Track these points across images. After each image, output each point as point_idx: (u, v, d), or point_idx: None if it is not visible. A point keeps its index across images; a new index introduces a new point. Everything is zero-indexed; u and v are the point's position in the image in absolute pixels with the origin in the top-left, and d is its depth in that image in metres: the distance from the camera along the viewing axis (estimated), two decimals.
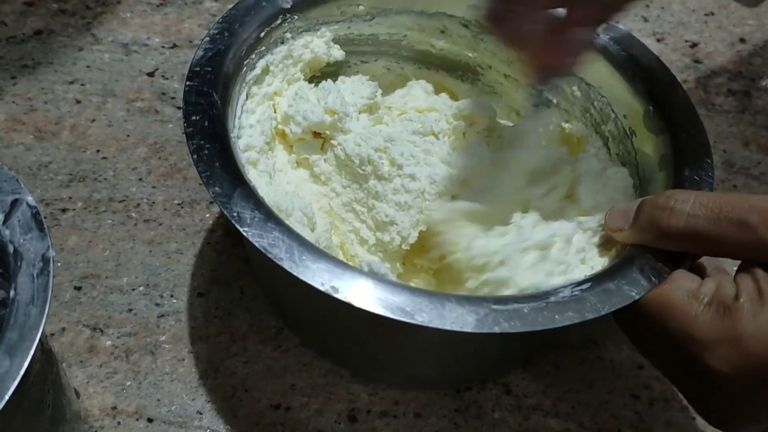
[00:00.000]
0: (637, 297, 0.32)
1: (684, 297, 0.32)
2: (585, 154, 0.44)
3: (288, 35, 0.44)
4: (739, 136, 0.60)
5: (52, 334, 0.43)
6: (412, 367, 0.41)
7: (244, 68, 0.41)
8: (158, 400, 0.41)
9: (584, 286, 0.32)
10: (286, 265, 0.31)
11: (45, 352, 0.32)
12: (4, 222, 0.28)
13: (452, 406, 0.42)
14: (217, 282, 0.46)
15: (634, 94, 0.42)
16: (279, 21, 0.43)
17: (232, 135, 0.38)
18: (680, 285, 0.33)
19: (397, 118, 0.47)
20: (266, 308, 0.45)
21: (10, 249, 0.28)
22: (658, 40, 0.67)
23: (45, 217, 0.47)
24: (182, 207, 0.50)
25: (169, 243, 0.48)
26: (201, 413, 0.41)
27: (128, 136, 0.53)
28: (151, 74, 0.58)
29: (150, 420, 0.40)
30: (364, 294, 0.31)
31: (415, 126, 0.44)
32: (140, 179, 0.51)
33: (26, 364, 0.25)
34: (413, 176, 0.41)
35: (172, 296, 0.45)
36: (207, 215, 0.49)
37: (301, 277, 0.31)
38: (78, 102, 0.55)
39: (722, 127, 0.60)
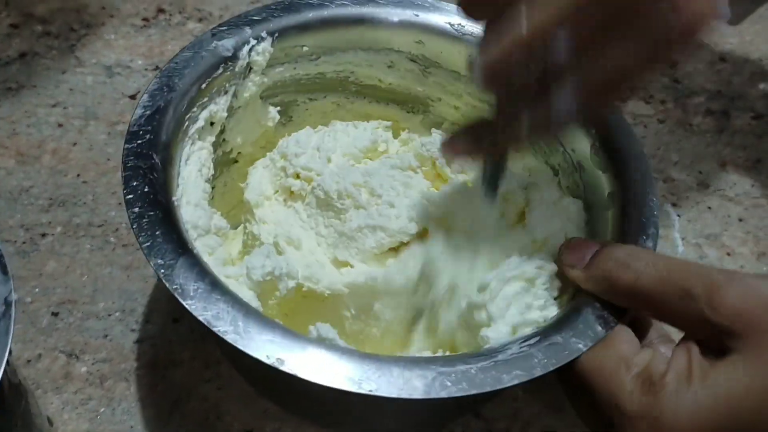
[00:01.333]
0: (584, 349, 0.32)
1: (615, 365, 0.32)
2: (536, 184, 0.44)
3: (228, 84, 0.43)
4: (716, 156, 0.61)
5: (29, 361, 0.44)
6: (377, 423, 0.42)
7: (186, 123, 0.40)
8: (131, 427, 0.42)
9: (532, 341, 0.32)
10: (230, 338, 0.31)
11: (13, 386, 0.32)
12: None
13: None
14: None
15: (580, 127, 0.41)
16: (221, 70, 0.42)
17: (174, 198, 0.37)
18: (615, 350, 0.32)
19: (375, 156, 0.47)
20: None
21: None
22: None
23: (24, 243, 0.48)
24: None
25: (146, 268, 0.48)
26: None
27: (109, 159, 0.54)
28: (133, 97, 0.58)
29: None
30: (310, 365, 0.30)
31: (394, 161, 0.44)
32: (119, 203, 0.52)
33: None
34: (392, 204, 0.41)
35: (147, 321, 0.46)
36: None
37: (246, 350, 0.30)
38: (60, 125, 0.56)
39: (699, 147, 0.61)
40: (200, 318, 0.31)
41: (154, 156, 0.37)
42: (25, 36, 0.62)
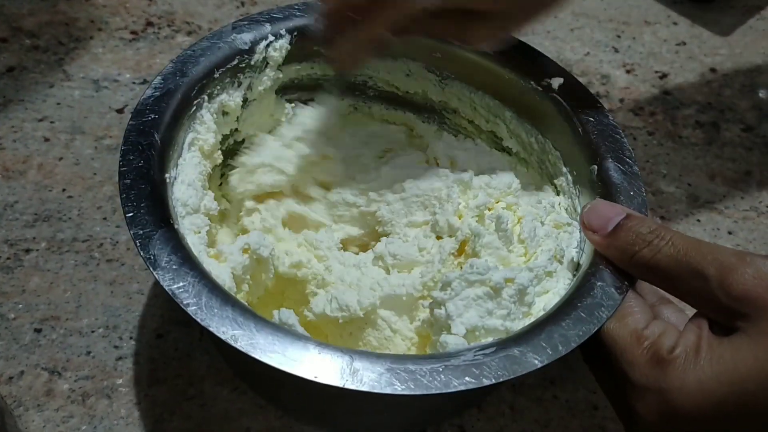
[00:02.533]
0: (539, 366, 0.32)
1: (628, 337, 0.33)
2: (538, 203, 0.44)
3: (243, 77, 0.44)
4: (705, 168, 0.60)
5: (11, 378, 0.43)
6: (351, 416, 0.42)
7: (194, 108, 0.41)
8: None
9: (487, 351, 0.32)
10: (191, 310, 0.32)
11: None
12: None
13: None
14: (176, 323, 0.47)
15: (581, 152, 0.42)
16: (236, 62, 0.43)
17: (167, 175, 0.38)
18: (627, 323, 0.33)
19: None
20: None
21: None
22: (628, 72, 0.67)
23: (8, 258, 0.48)
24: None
25: (130, 283, 0.48)
26: None
27: (95, 174, 0.54)
28: (120, 111, 0.58)
29: None
30: (260, 344, 0.31)
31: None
32: (105, 218, 0.51)
33: None
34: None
35: (131, 338, 0.46)
36: None
37: (203, 323, 0.31)
38: (46, 140, 0.56)
39: (688, 159, 0.61)
40: (166, 288, 0.32)
41: (156, 135, 0.38)
42: (14, 50, 0.62)
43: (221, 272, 0.37)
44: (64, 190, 0.53)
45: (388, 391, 0.30)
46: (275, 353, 0.31)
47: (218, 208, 0.42)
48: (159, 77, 0.41)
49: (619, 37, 0.71)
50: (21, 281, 0.48)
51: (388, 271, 0.42)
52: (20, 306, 0.46)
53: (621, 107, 0.64)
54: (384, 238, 0.44)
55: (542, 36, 0.70)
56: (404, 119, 0.51)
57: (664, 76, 0.68)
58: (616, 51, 0.69)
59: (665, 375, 0.31)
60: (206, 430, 0.42)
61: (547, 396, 0.46)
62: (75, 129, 0.57)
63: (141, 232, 0.34)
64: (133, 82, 0.60)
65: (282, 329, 0.32)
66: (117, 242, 0.50)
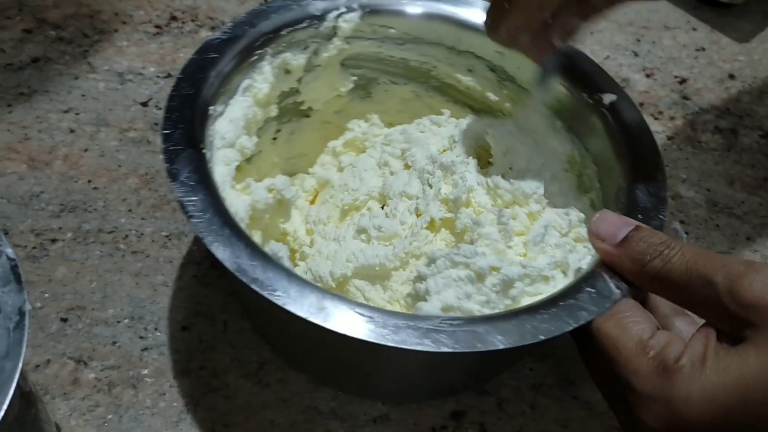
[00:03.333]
0: (500, 347, 0.32)
1: (632, 346, 0.33)
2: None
3: (311, 41, 0.46)
4: (724, 174, 0.61)
5: (37, 366, 0.44)
6: (379, 377, 0.43)
7: (255, 57, 0.43)
8: None
9: (454, 322, 0.33)
10: (194, 221, 0.34)
11: (24, 395, 0.32)
12: None
13: None
14: (201, 315, 0.47)
15: (616, 171, 0.42)
16: (305, 24, 0.45)
17: (211, 107, 0.40)
18: (632, 332, 0.33)
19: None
20: (249, 342, 0.46)
21: None
22: (648, 76, 0.68)
23: (34, 248, 0.49)
24: (170, 239, 0.50)
25: (155, 275, 0.49)
26: None
27: (120, 166, 0.54)
28: (144, 104, 0.59)
29: None
30: (246, 265, 0.33)
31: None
32: (130, 210, 0.52)
33: (0, 417, 0.26)
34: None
35: (156, 329, 0.46)
36: (194, 248, 0.50)
37: (202, 236, 0.34)
38: (72, 131, 0.56)
39: (707, 165, 0.61)
40: (178, 198, 0.35)
41: (212, 72, 0.41)
42: (38, 41, 0.62)
43: (237, 203, 0.39)
44: (89, 181, 0.53)
45: (343, 331, 0.32)
46: (255, 275, 0.33)
47: (254, 149, 0.44)
48: (230, 23, 0.43)
49: (638, 41, 0.71)
50: (47, 271, 0.48)
51: (369, 242, 0.43)
52: (46, 295, 0.47)
53: (640, 111, 0.64)
54: (367, 212, 0.45)
55: None
56: (461, 115, 0.51)
57: (683, 81, 0.68)
58: (636, 55, 0.70)
59: (671, 384, 0.31)
60: (230, 422, 0.43)
61: (566, 396, 0.46)
62: (100, 121, 0.57)
63: (171, 148, 0.36)
64: (158, 76, 0.61)
65: (268, 258, 0.34)
66: (142, 234, 0.50)
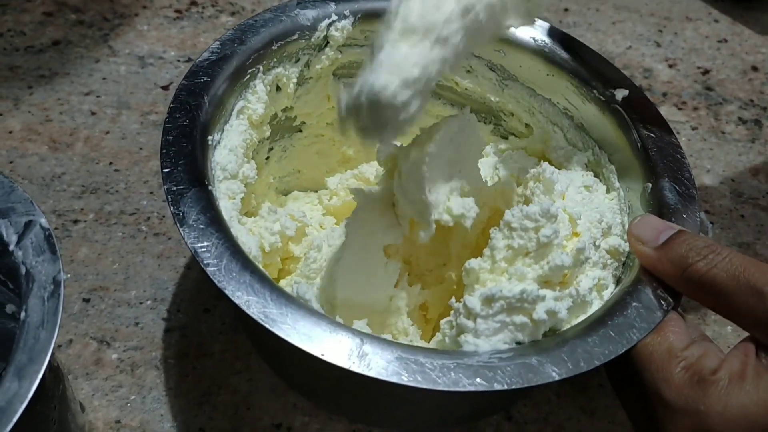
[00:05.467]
0: (557, 378, 0.30)
1: (666, 354, 0.31)
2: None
3: (301, 53, 0.44)
4: (748, 165, 0.60)
5: (60, 346, 0.43)
6: (365, 405, 0.41)
7: (247, 77, 0.41)
8: (161, 416, 0.41)
9: (504, 355, 0.31)
10: (210, 271, 0.31)
11: (53, 369, 0.32)
12: (18, 243, 0.29)
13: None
14: (223, 298, 0.47)
15: (637, 168, 0.41)
16: (296, 37, 0.43)
17: (210, 137, 0.38)
18: (665, 340, 0.32)
19: None
20: None
21: (23, 270, 0.28)
22: (670, 66, 0.67)
23: (56, 228, 0.48)
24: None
25: (177, 257, 0.48)
26: (203, 429, 0.41)
27: (141, 149, 0.54)
28: (165, 87, 0.58)
29: None
30: (274, 314, 0.31)
31: None
32: (151, 192, 0.51)
33: (35, 387, 0.25)
34: None
35: (178, 311, 0.46)
36: None
37: (220, 285, 0.31)
38: (93, 114, 0.56)
39: (732, 155, 0.61)
40: (189, 245, 0.32)
41: (205, 98, 0.38)
42: (59, 24, 0.62)
43: (249, 240, 0.37)
44: (110, 163, 0.53)
45: (393, 380, 0.30)
46: (286, 325, 0.30)
47: (256, 177, 0.42)
48: (217, 42, 0.41)
49: (660, 31, 0.71)
50: (69, 251, 0.48)
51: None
52: (69, 275, 0.47)
53: (664, 101, 0.64)
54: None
55: (584, 28, 0.70)
56: None
57: (706, 72, 0.67)
58: (658, 45, 0.69)
59: (705, 397, 0.30)
60: (253, 404, 0.42)
61: (593, 384, 0.46)
62: (121, 104, 0.57)
63: (174, 188, 0.34)
64: (178, 60, 0.61)
65: (297, 302, 0.32)
66: (164, 216, 0.50)
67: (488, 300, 0.34)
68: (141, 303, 0.46)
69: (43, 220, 0.29)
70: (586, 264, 0.37)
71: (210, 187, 0.35)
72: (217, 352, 0.44)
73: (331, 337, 0.31)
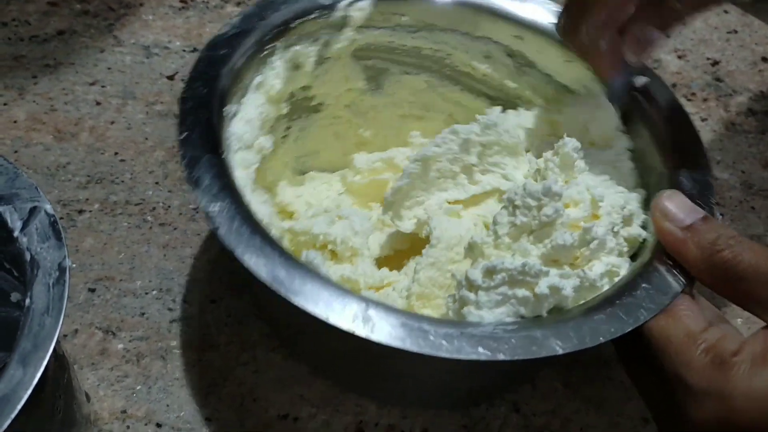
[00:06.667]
0: (560, 352, 0.30)
1: (684, 337, 0.31)
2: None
3: (322, 32, 0.44)
4: (758, 156, 0.59)
5: (65, 336, 0.43)
6: (375, 377, 0.41)
7: (265, 52, 0.41)
8: (167, 406, 0.41)
9: (508, 327, 0.31)
10: (220, 232, 0.32)
11: (58, 358, 0.32)
12: (22, 229, 0.28)
13: (460, 423, 0.42)
14: (230, 288, 0.46)
15: (654, 156, 0.40)
16: (315, 15, 0.43)
17: (226, 107, 0.38)
18: (683, 323, 0.32)
19: None
20: None
21: (27, 257, 0.28)
22: (679, 57, 0.67)
23: (61, 218, 0.48)
24: (198, 212, 0.50)
25: (183, 248, 0.48)
26: (209, 420, 0.41)
27: (146, 139, 0.54)
28: (171, 77, 0.58)
29: (159, 425, 0.41)
30: (282, 276, 0.31)
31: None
32: (157, 183, 0.51)
33: (39, 374, 0.25)
34: None
35: (185, 301, 0.46)
36: None
37: (230, 246, 0.31)
38: (98, 103, 0.55)
39: (742, 147, 0.60)
40: (201, 208, 0.33)
41: (223, 69, 0.38)
42: (64, 14, 0.61)
43: (262, 208, 0.37)
44: (116, 153, 0.52)
45: (396, 344, 0.30)
46: (293, 287, 0.31)
47: (272, 147, 0.43)
48: (238, 17, 0.41)
49: None
50: (74, 241, 0.47)
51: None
52: (74, 265, 0.46)
53: (674, 92, 0.63)
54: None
55: None
56: (476, 104, 0.49)
57: (715, 63, 0.67)
58: (667, 36, 0.68)
59: (728, 379, 0.29)
60: (260, 396, 0.42)
61: (601, 376, 0.45)
62: (126, 94, 0.56)
63: (190, 154, 0.34)
64: (184, 50, 0.60)
65: (305, 267, 0.32)
66: (169, 207, 0.50)
67: (489, 272, 0.34)
68: (147, 293, 0.46)
69: (48, 207, 0.29)
70: (601, 250, 0.36)
71: (224, 155, 0.36)
72: (223, 343, 0.44)
73: (337, 301, 0.31)
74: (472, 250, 0.37)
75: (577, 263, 0.36)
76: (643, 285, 0.33)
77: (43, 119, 0.54)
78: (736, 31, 0.70)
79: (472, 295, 0.34)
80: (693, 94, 0.63)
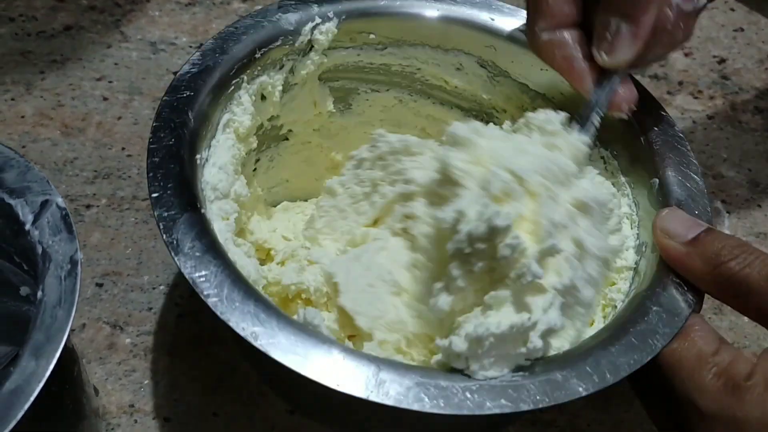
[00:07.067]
0: (584, 394, 0.29)
1: (696, 361, 0.31)
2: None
3: (286, 59, 0.42)
4: (765, 154, 0.59)
5: (73, 330, 0.43)
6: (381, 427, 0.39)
7: (231, 88, 0.39)
8: (175, 400, 0.41)
9: (527, 372, 0.30)
10: (211, 302, 0.29)
11: (68, 351, 0.32)
12: (34, 222, 0.29)
13: None
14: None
15: (642, 163, 0.39)
16: (279, 43, 0.41)
17: (198, 156, 0.36)
18: (694, 346, 0.31)
19: None
20: None
21: (39, 250, 0.28)
22: (686, 55, 0.66)
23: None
24: None
25: None
26: (217, 414, 0.41)
27: None
28: (177, 73, 0.58)
29: (166, 419, 0.41)
30: (283, 344, 0.29)
31: None
32: None
33: (52, 366, 0.25)
34: None
35: (192, 296, 0.46)
36: None
37: (223, 317, 0.29)
38: (105, 99, 0.55)
39: (748, 145, 0.60)
40: (187, 276, 0.30)
41: (189, 113, 0.36)
42: (71, 10, 0.61)
43: (247, 263, 0.35)
44: (123, 148, 0.53)
45: (415, 407, 0.28)
46: (296, 355, 0.29)
47: (249, 194, 0.41)
48: (198, 53, 0.39)
49: None
50: (82, 236, 0.47)
51: None
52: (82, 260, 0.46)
53: (680, 90, 0.63)
54: None
55: None
56: (449, 117, 0.47)
57: (722, 60, 0.67)
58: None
59: (742, 403, 0.29)
60: (267, 390, 0.42)
61: None
62: (133, 89, 0.56)
63: (165, 214, 0.32)
64: (190, 46, 0.60)
65: (306, 330, 0.30)
66: None
67: (476, 341, 0.31)
68: (154, 288, 0.46)
69: (59, 200, 0.29)
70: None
71: (202, 210, 0.33)
72: (230, 339, 0.44)
73: (345, 365, 0.29)
74: (447, 317, 0.34)
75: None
76: (654, 308, 0.32)
77: (50, 114, 0.54)
78: (742, 29, 0.70)
79: (463, 365, 0.31)
80: (700, 91, 0.63)
